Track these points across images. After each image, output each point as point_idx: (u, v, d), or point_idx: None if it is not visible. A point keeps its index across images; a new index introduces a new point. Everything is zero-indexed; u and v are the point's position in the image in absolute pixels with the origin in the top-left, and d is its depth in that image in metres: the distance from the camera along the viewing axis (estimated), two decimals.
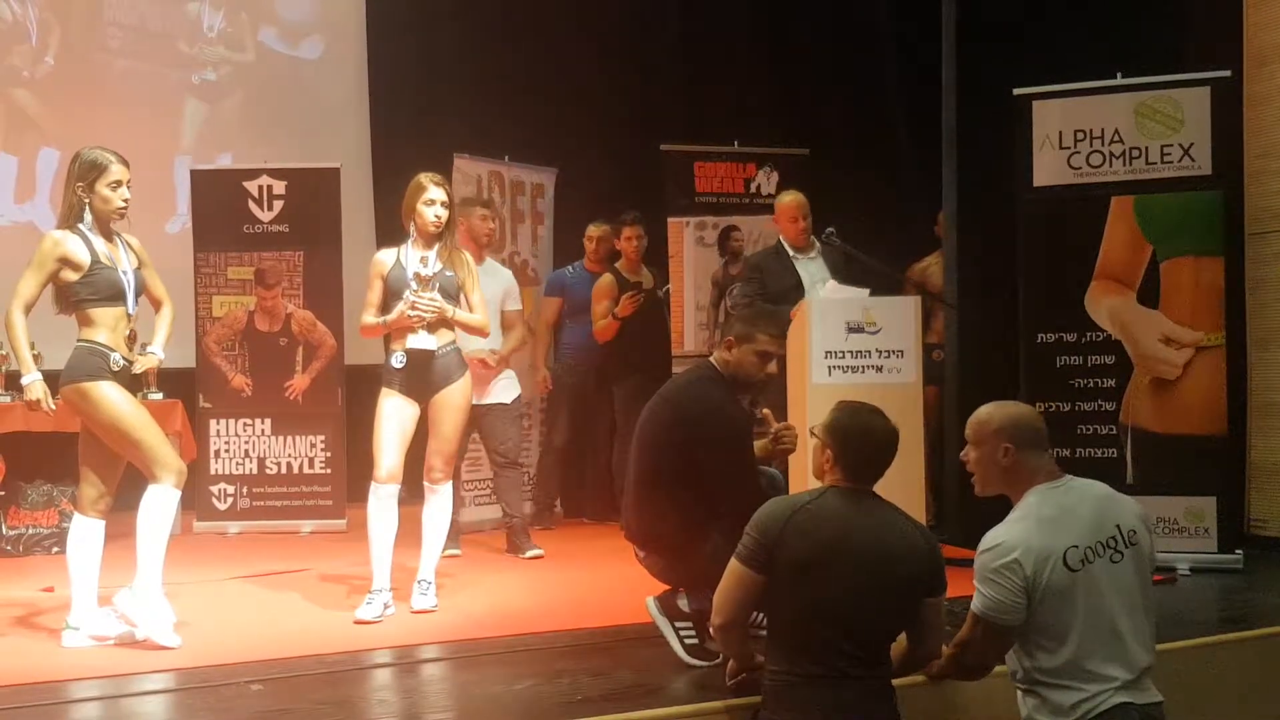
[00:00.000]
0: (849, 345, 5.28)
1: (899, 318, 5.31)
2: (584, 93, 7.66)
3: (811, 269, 5.71)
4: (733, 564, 3.03)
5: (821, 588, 2.91)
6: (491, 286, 5.74)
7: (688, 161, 6.66)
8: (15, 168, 7.30)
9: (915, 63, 6.92)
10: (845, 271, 5.65)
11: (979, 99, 5.87)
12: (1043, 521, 2.86)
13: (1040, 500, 2.91)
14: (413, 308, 4.46)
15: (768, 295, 5.65)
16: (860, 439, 3.08)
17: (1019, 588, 2.79)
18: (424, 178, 4.60)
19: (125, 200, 4.13)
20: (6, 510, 6.00)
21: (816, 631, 2.93)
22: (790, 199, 5.72)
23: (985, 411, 3.04)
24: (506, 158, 7.11)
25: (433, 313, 4.48)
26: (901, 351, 5.29)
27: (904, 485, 5.25)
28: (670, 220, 6.52)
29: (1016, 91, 5.49)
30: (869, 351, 5.28)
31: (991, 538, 2.87)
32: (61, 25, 7.40)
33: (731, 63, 7.95)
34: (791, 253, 5.73)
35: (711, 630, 3.18)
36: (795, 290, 5.59)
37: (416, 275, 4.49)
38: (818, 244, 5.69)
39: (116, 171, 4.10)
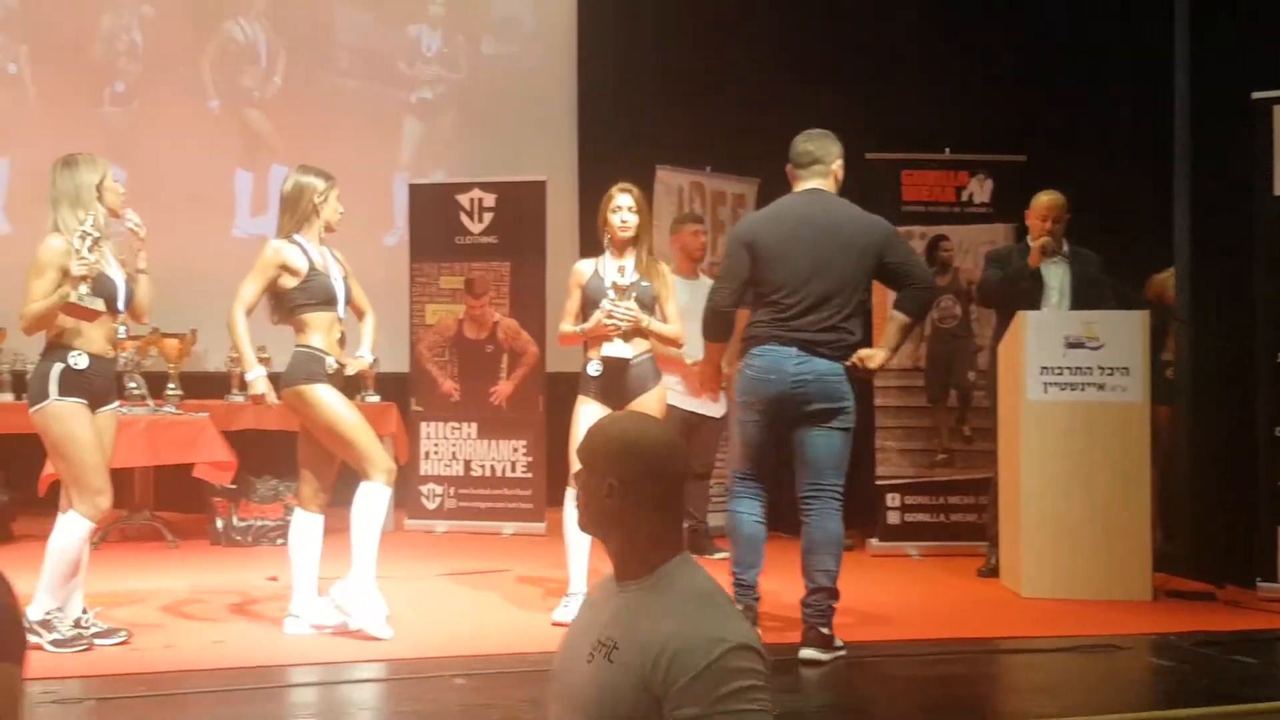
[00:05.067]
0: (1068, 361, 5.05)
1: (1124, 332, 5.05)
2: (788, 102, 7.58)
3: (1054, 273, 5.44)
4: None
5: None
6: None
7: (894, 170, 6.49)
8: (250, 184, 7.81)
9: (1144, 64, 6.56)
10: (1087, 284, 5.40)
11: (1214, 102, 5.52)
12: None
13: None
14: (609, 316, 4.51)
15: (1001, 290, 5.45)
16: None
17: None
18: (614, 188, 4.68)
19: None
20: (238, 503, 6.40)
21: None
22: (1045, 199, 5.44)
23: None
24: (709, 168, 7.12)
25: (628, 322, 4.52)
26: (1127, 368, 5.02)
27: (1130, 511, 5.01)
28: None
29: (1255, 95, 5.14)
30: (1090, 368, 5.04)
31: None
32: (288, 47, 7.88)
33: (942, 67, 7.72)
34: None
35: None
36: (1027, 296, 5.35)
37: (614, 285, 4.55)
38: (1066, 248, 5.44)
39: (337, 186, 4.40)
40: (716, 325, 4.27)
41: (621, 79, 7.90)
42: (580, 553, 4.56)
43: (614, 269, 4.62)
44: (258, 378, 4.29)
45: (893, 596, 5.13)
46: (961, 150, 6.57)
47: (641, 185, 4.83)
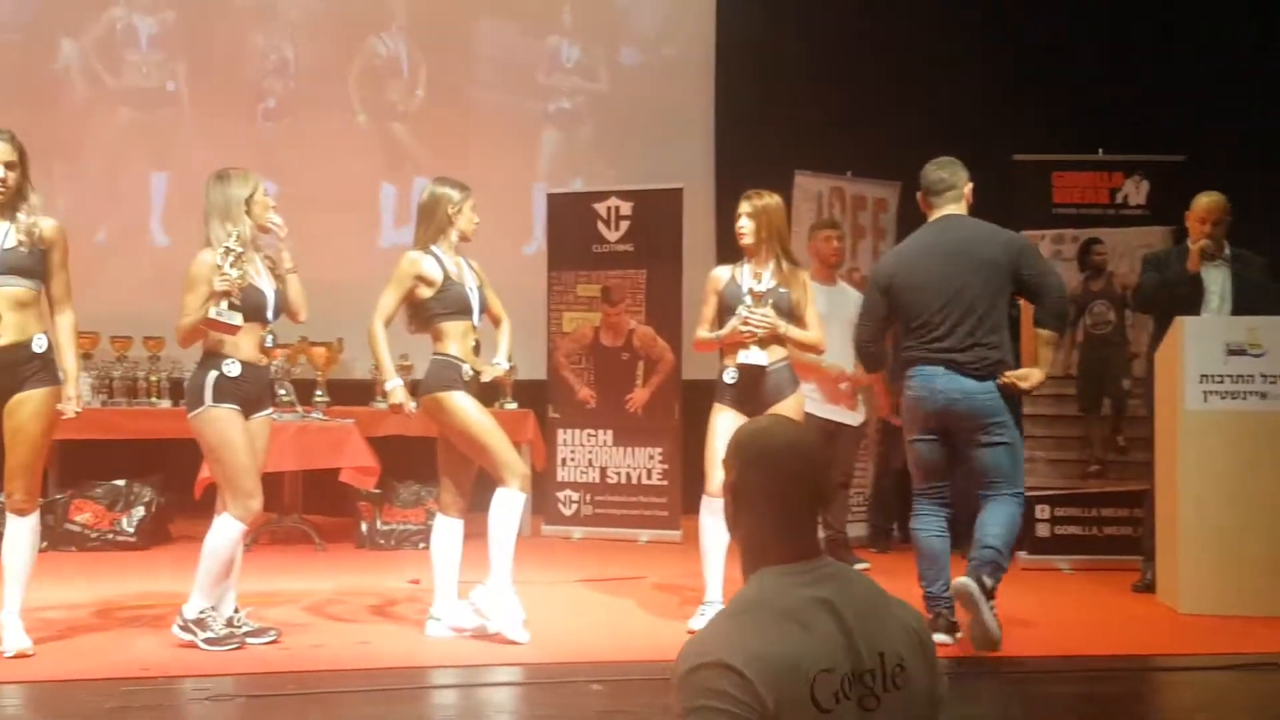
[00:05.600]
0: (1229, 369, 4.84)
1: None
2: (931, 104, 7.44)
3: (1214, 277, 5.16)
4: None
5: None
6: (850, 309, 5.73)
7: (1044, 171, 6.28)
8: (394, 195, 8.02)
9: None
10: (1249, 288, 5.12)
11: None
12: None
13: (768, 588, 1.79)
14: (745, 323, 4.47)
15: (1158, 295, 5.22)
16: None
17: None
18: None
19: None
20: (381, 507, 6.56)
21: None
22: (1206, 200, 5.17)
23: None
24: (849, 173, 7.02)
25: (765, 329, 4.48)
26: None
27: None
28: (1025, 234, 6.17)
29: None
30: (1252, 376, 4.83)
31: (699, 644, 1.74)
32: (429, 60, 8.07)
33: (1094, 64, 7.45)
34: None
35: None
36: (1186, 301, 5.10)
37: (750, 291, 4.51)
38: (1228, 251, 5.16)
39: (472, 196, 4.45)
40: (865, 359, 4.62)
41: (760, 84, 7.86)
42: (716, 561, 4.53)
43: (751, 275, 4.58)
44: (396, 388, 4.39)
45: (1043, 610, 4.95)
46: (1116, 151, 6.31)
47: (780, 191, 4.78)
